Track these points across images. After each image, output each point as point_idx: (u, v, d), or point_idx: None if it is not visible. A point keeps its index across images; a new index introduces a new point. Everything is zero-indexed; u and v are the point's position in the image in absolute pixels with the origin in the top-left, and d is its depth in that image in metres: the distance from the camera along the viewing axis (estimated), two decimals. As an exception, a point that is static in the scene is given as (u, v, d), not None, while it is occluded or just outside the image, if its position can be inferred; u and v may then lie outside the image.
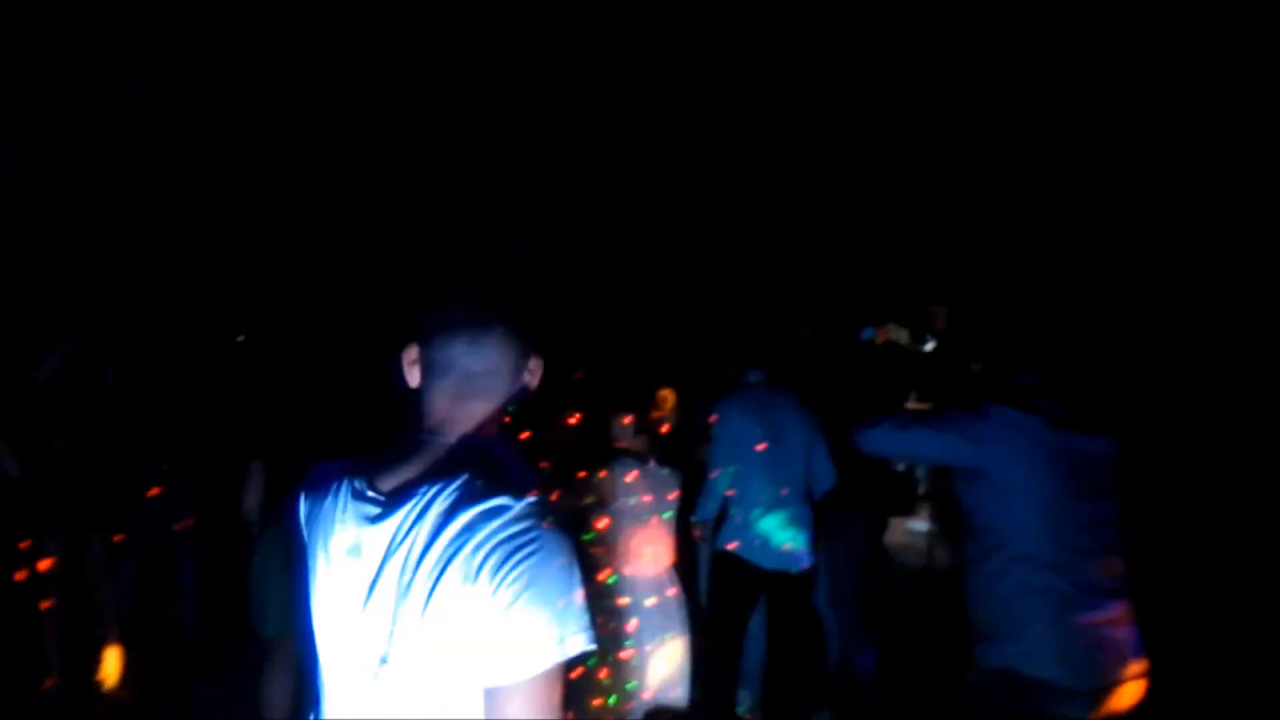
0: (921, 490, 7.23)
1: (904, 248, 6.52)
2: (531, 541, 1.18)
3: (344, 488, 1.31)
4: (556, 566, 1.18)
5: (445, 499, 1.22)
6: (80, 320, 4.00)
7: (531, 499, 1.21)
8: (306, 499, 1.37)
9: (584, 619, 1.18)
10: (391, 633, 1.22)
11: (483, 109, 6.66)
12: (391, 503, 1.26)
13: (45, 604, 3.18)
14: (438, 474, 1.25)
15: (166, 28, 5.85)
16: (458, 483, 1.23)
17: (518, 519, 1.19)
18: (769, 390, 3.68)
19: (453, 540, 1.19)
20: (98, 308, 4.53)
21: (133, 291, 5.54)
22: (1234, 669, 3.76)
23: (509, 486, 1.22)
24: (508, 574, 1.15)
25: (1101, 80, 5.64)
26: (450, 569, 1.18)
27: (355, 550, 1.27)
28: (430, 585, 1.19)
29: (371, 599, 1.24)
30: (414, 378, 1.35)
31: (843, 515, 3.86)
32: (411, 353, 1.36)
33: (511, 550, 1.17)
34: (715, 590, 3.70)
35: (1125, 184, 5.87)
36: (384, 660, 1.23)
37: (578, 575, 1.19)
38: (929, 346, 6.67)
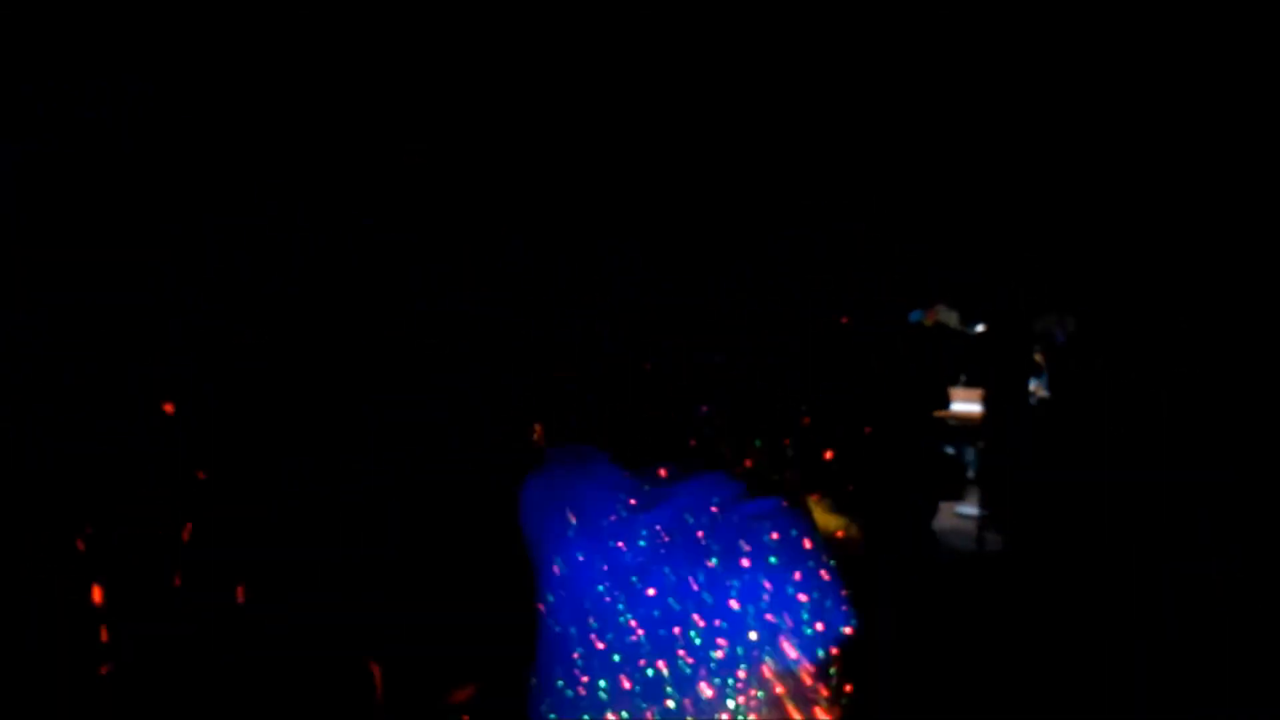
0: (971, 474, 7.20)
1: (904, 248, 6.52)
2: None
3: (603, 473, 1.36)
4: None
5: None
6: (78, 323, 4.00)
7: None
8: (548, 486, 1.39)
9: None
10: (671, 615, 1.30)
11: (482, 109, 6.66)
12: (661, 490, 1.34)
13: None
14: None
15: (166, 28, 5.85)
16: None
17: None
18: None
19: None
20: (97, 308, 4.54)
21: (133, 291, 5.54)
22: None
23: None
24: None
25: (1102, 79, 5.64)
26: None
27: (629, 537, 1.33)
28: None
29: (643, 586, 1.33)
30: None
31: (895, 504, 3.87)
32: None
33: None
34: None
35: (1127, 183, 5.86)
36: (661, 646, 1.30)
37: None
38: (979, 329, 6.64)
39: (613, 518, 1.31)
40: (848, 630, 1.24)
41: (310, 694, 3.95)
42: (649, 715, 1.28)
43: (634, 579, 1.28)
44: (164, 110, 6.41)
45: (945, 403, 5.80)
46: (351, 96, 6.49)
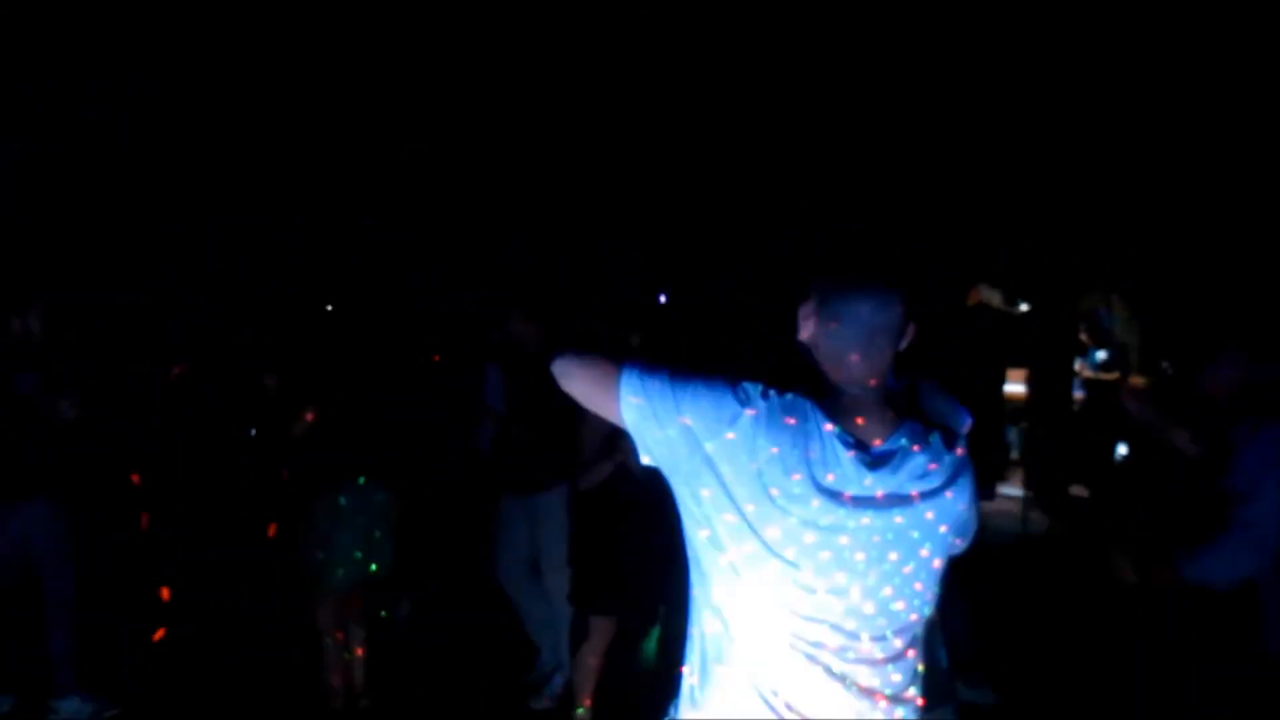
0: (1015, 455, 7.12)
1: (904, 248, 6.52)
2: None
3: (819, 427, 1.46)
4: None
5: (920, 458, 1.47)
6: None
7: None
8: (761, 418, 1.48)
9: None
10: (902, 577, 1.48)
11: (483, 109, 6.66)
12: (881, 458, 1.47)
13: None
14: (899, 431, 1.49)
15: (166, 28, 5.85)
16: (936, 436, 1.49)
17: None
18: None
19: (952, 486, 1.48)
20: (97, 308, 4.53)
21: (133, 291, 5.54)
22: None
23: (951, 440, 1.50)
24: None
25: (1103, 78, 5.64)
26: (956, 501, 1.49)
27: (847, 487, 1.45)
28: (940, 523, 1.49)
29: (877, 551, 1.47)
30: (807, 330, 1.56)
31: None
32: (809, 307, 1.56)
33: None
34: None
35: (1128, 183, 5.86)
36: (895, 613, 1.49)
37: None
38: (1023, 308, 6.57)
39: None
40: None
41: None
42: None
43: None
44: (164, 110, 6.41)
45: (999, 382, 5.76)
46: (351, 97, 6.49)
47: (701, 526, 1.50)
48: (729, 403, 1.47)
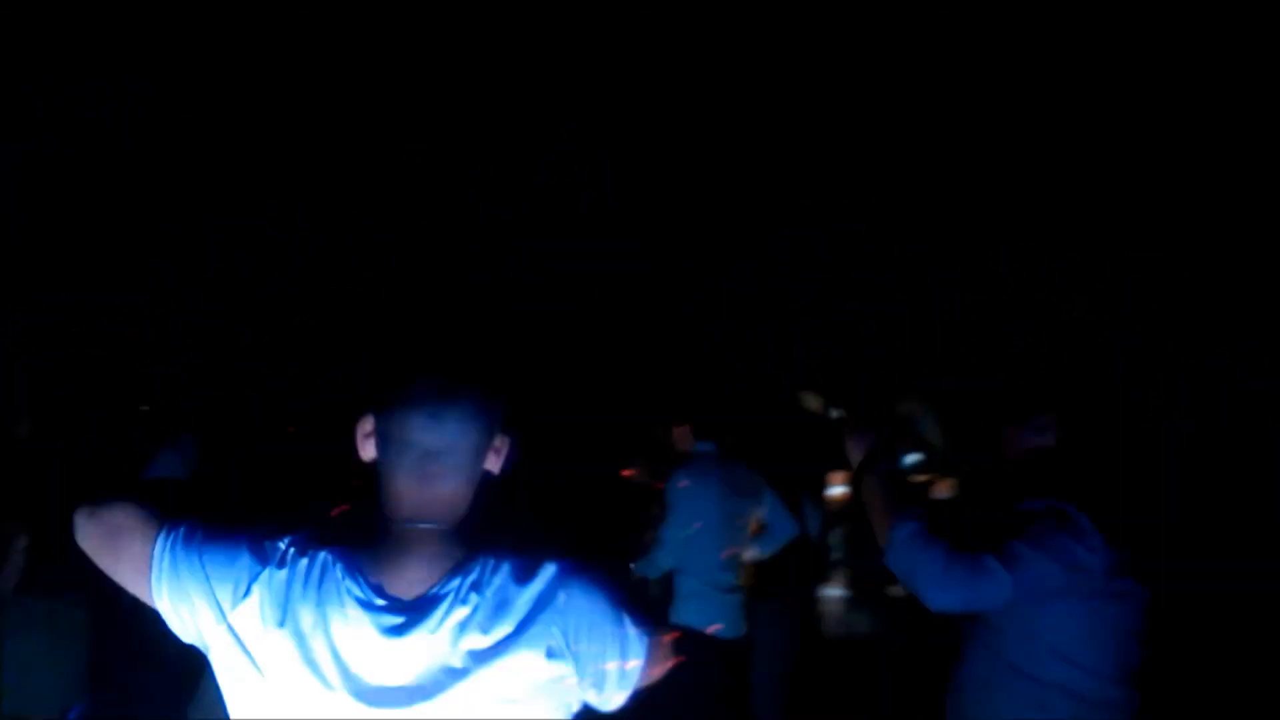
0: (834, 557, 7.27)
1: (904, 248, 6.52)
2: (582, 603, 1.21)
3: (340, 592, 1.18)
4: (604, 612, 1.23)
5: (473, 603, 1.18)
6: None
7: (555, 566, 1.21)
8: (274, 592, 1.18)
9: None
10: None
11: (483, 109, 6.66)
12: (416, 612, 1.17)
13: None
14: (452, 573, 1.20)
15: (166, 28, 5.85)
16: (474, 581, 1.19)
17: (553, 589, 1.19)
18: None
19: (509, 637, 1.16)
20: (98, 308, 4.54)
21: (133, 291, 5.54)
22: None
23: (529, 570, 1.20)
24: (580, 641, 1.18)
25: (1105, 79, 5.64)
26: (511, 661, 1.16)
27: (375, 664, 1.16)
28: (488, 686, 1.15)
29: (397, 708, 1.15)
30: (367, 451, 1.26)
31: (767, 601, 4.04)
32: (367, 424, 1.26)
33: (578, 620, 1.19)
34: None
35: (1130, 183, 5.86)
36: None
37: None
38: (835, 415, 6.63)
39: None
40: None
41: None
42: None
43: None
44: (164, 110, 6.40)
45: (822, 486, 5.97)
46: (351, 97, 6.49)
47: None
48: (245, 563, 1.18)
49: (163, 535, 1.20)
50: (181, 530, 1.20)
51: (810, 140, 6.61)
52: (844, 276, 6.74)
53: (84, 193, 6.26)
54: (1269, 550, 3.89)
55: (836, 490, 6.72)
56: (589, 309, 6.87)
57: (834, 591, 6.70)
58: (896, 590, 6.54)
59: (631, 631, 1.22)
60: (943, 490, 5.02)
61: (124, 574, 1.23)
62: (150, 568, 1.19)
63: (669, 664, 1.25)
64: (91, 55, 5.89)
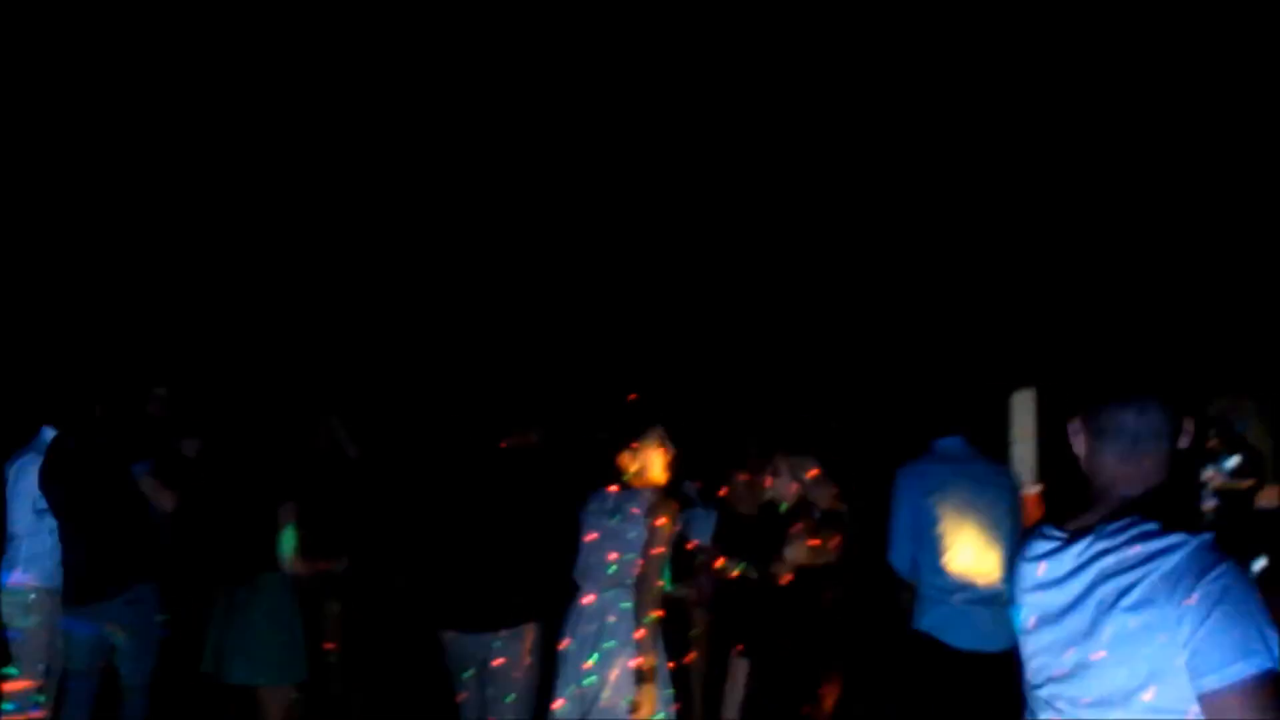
0: None
1: (904, 247, 6.51)
2: (1215, 566, 1.42)
3: (1030, 537, 1.63)
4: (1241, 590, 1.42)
5: (1118, 537, 1.50)
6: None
7: (1206, 536, 1.45)
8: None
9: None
10: (1075, 645, 1.50)
11: (483, 109, 6.64)
12: (1070, 539, 1.55)
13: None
14: (1111, 518, 1.53)
15: (166, 28, 5.83)
16: (1126, 523, 1.50)
17: (1197, 550, 1.44)
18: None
19: (1133, 569, 1.46)
20: (98, 307, 4.54)
21: (132, 291, 5.54)
22: None
23: (1178, 527, 1.47)
24: (1202, 591, 1.40)
25: (1107, 81, 5.63)
26: (1131, 593, 1.45)
27: (1043, 582, 1.57)
28: (1109, 609, 1.47)
29: (1050, 622, 1.55)
30: (1079, 445, 1.64)
31: None
32: (1075, 424, 1.64)
33: (1200, 572, 1.42)
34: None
35: (1131, 185, 5.84)
36: (1061, 676, 1.52)
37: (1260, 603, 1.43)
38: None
39: None
40: None
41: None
42: None
43: None
44: (164, 110, 6.38)
45: None
46: (351, 97, 6.47)
47: None
48: None
49: None
50: None
51: (811, 140, 6.57)
52: (844, 276, 6.74)
53: (84, 192, 6.26)
54: None
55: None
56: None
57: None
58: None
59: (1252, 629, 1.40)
60: (1271, 499, 4.65)
61: None
62: None
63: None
64: (91, 55, 5.87)
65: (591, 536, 3.19)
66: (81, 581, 3.67)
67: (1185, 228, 5.64)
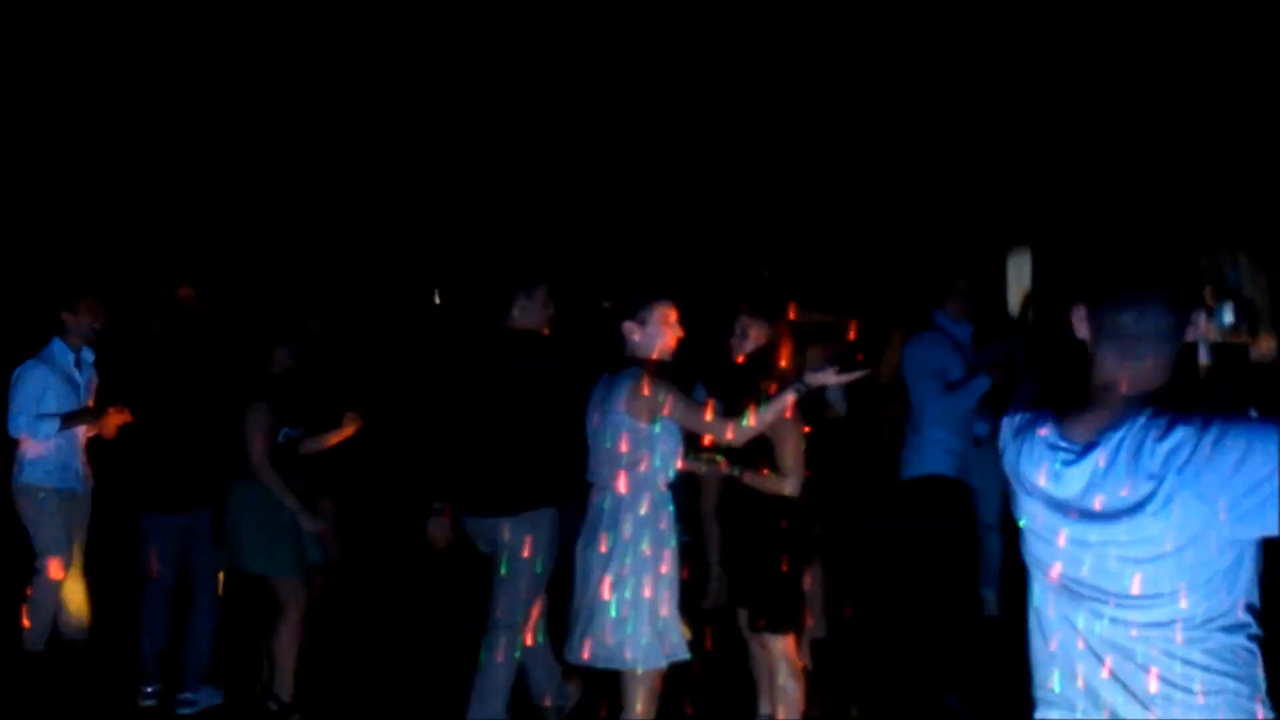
0: None
1: (903, 248, 6.53)
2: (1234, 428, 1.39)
3: (1034, 440, 1.57)
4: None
5: (1133, 437, 1.45)
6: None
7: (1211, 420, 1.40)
8: (1009, 449, 1.63)
9: None
10: (1106, 551, 1.47)
11: (483, 110, 6.65)
12: (1084, 450, 1.50)
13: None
14: (1119, 420, 1.47)
15: (166, 28, 5.84)
16: (1141, 421, 1.45)
17: (1209, 424, 1.40)
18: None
19: (1156, 464, 1.42)
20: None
21: (132, 292, 5.52)
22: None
23: (1187, 415, 1.42)
24: (1223, 454, 1.38)
25: (1107, 79, 5.65)
26: (1160, 490, 1.41)
27: (1056, 492, 1.53)
28: (1137, 506, 1.43)
29: (1076, 530, 1.51)
30: (1082, 332, 1.58)
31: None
32: (1080, 311, 1.58)
33: (1219, 438, 1.39)
34: None
35: (1131, 182, 5.86)
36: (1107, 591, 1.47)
37: None
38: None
39: None
40: None
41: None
42: None
43: None
44: (163, 110, 6.39)
45: None
46: (350, 97, 6.48)
47: None
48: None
49: None
50: None
51: (810, 140, 6.57)
52: (843, 276, 6.75)
53: (84, 192, 6.26)
54: None
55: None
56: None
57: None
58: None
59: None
60: (1265, 351, 4.63)
61: None
62: None
63: None
64: (91, 55, 5.87)
65: (594, 424, 3.11)
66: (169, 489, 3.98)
67: (1180, 79, 5.67)
